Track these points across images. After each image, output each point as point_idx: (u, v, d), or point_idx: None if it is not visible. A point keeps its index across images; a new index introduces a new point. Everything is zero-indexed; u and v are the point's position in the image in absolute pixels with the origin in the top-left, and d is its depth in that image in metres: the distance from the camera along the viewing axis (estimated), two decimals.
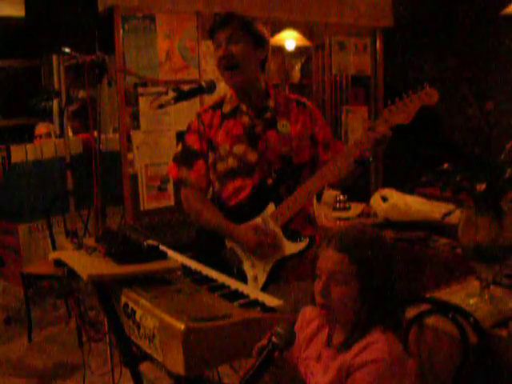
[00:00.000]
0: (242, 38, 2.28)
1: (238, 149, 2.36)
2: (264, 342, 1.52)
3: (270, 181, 2.34)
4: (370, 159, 2.15)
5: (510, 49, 5.14)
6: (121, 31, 4.16)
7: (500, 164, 2.02)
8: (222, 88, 2.53)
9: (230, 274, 2.19)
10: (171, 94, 2.43)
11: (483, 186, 1.99)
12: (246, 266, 2.33)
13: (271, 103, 2.39)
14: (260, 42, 2.34)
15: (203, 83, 2.44)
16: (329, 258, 1.63)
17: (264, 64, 2.42)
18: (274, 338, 1.50)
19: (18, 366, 3.93)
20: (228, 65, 2.29)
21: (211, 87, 2.43)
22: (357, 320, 1.63)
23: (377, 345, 1.57)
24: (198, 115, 2.47)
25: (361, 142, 2.13)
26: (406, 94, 2.10)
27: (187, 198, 2.47)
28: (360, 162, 2.16)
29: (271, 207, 2.30)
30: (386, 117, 2.11)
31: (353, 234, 1.66)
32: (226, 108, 2.42)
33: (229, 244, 2.38)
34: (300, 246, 2.27)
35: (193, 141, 2.44)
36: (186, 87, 2.46)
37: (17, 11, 5.45)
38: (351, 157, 2.15)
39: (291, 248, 2.27)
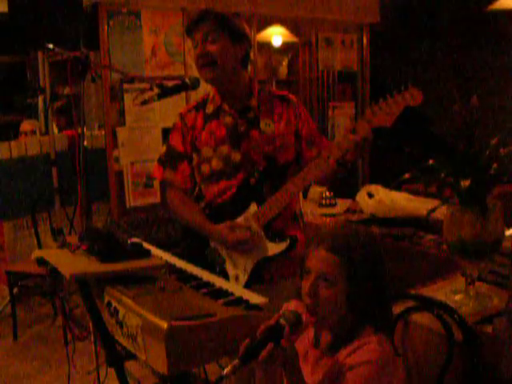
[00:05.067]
0: (218, 35, 2.24)
1: (222, 150, 2.34)
2: (271, 322, 1.51)
3: (252, 180, 2.32)
4: (349, 165, 2.15)
5: (496, 44, 5.16)
6: (106, 27, 4.13)
7: (485, 160, 2.02)
8: (208, 85, 2.50)
9: (213, 272, 2.18)
10: (155, 91, 2.41)
11: (468, 182, 1.99)
12: (228, 266, 2.32)
13: (254, 102, 2.36)
14: (238, 38, 2.29)
15: (187, 80, 2.42)
16: (319, 259, 1.62)
17: (246, 60, 2.37)
18: (281, 320, 1.50)
19: (3, 365, 3.90)
20: (205, 63, 2.26)
21: (195, 84, 2.41)
22: (345, 322, 1.62)
23: (368, 346, 1.57)
24: (182, 116, 2.45)
25: (341, 144, 2.11)
26: (389, 94, 2.07)
27: (172, 200, 2.47)
28: (342, 164, 2.15)
29: (253, 207, 2.28)
30: (369, 118, 2.07)
31: (345, 236, 1.64)
32: (209, 108, 2.40)
33: (212, 243, 2.37)
34: (281, 246, 2.26)
35: (177, 142, 2.43)
36: (169, 83, 2.43)
37: (0, 7, 5.39)
38: (332, 158, 2.13)
39: (272, 249, 2.26)
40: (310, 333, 1.75)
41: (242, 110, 2.35)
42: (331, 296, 1.60)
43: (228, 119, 2.35)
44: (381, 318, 1.65)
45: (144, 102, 2.37)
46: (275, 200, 2.24)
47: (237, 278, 2.29)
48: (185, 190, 2.44)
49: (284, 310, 1.56)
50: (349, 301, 1.60)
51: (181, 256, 2.31)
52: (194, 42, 2.29)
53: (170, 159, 2.44)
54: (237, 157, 2.32)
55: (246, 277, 2.28)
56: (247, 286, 2.24)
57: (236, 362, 1.43)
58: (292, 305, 1.77)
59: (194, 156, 2.40)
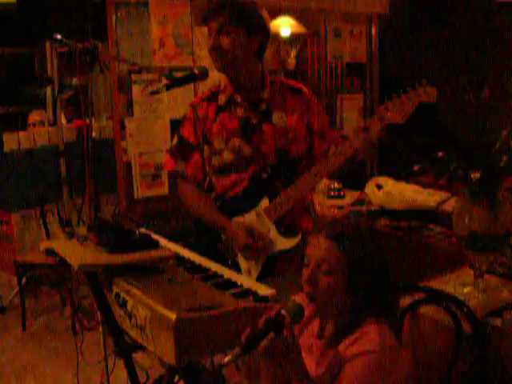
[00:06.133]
0: (233, 28, 2.21)
1: (233, 143, 2.32)
2: (272, 313, 1.50)
3: (264, 175, 2.30)
4: (361, 163, 2.14)
5: (507, 35, 5.12)
6: (113, 18, 4.11)
7: (495, 152, 2.00)
8: (217, 76, 2.49)
9: (225, 265, 2.17)
10: (164, 81, 2.40)
11: (478, 175, 1.98)
12: (241, 259, 2.31)
13: (266, 94, 2.34)
14: (255, 30, 2.27)
15: (195, 70, 2.41)
16: (318, 246, 1.63)
17: (261, 52, 2.34)
18: (282, 310, 1.50)
19: (12, 355, 3.92)
20: (217, 55, 2.24)
21: (203, 74, 2.40)
22: (345, 311, 1.62)
23: (368, 336, 1.56)
24: (193, 107, 2.42)
25: (353, 143, 2.10)
26: (403, 90, 2.04)
27: (184, 192, 2.45)
28: (354, 161, 2.14)
29: (265, 202, 2.27)
30: (381, 115, 2.05)
31: (345, 225, 1.65)
32: (221, 100, 2.37)
33: (224, 236, 2.36)
34: (293, 241, 2.25)
35: (188, 133, 2.41)
36: (178, 74, 2.42)
37: None
38: (344, 156, 2.12)
39: (284, 244, 2.25)
40: (316, 324, 1.75)
41: (254, 103, 2.33)
42: (330, 283, 1.60)
43: (240, 111, 2.34)
44: (382, 307, 1.65)
45: (153, 93, 2.36)
46: (287, 195, 2.23)
47: (249, 272, 2.28)
48: (196, 181, 2.42)
49: (287, 301, 1.56)
50: (348, 289, 1.60)
51: (192, 247, 2.30)
52: (210, 31, 2.26)
53: (181, 150, 2.42)
54: (248, 150, 2.31)
55: (258, 270, 2.27)
56: (259, 279, 2.23)
57: (237, 350, 1.43)
58: (299, 298, 1.77)
59: (206, 148, 2.38)
